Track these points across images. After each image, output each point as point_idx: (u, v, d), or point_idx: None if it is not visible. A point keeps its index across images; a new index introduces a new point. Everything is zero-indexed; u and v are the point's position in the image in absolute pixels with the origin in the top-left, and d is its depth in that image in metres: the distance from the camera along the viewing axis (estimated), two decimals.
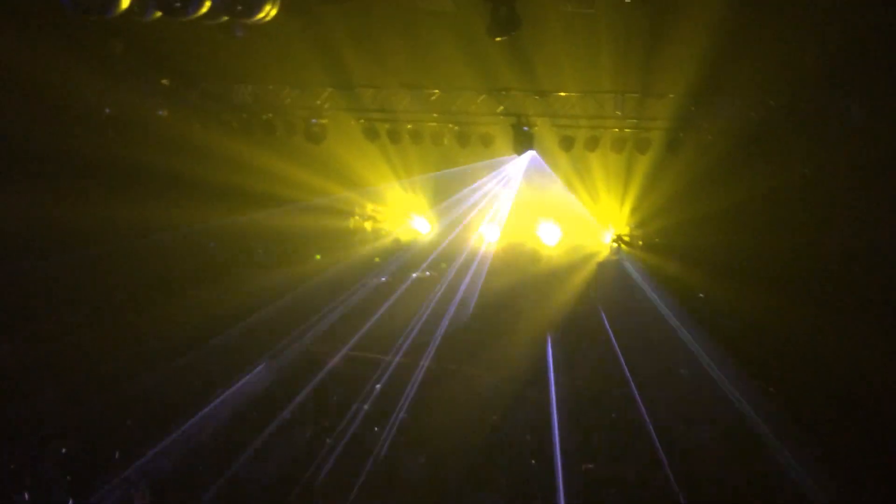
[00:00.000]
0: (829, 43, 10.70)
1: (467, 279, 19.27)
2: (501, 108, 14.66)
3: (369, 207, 20.65)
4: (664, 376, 15.09)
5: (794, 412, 13.43)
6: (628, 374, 15.13)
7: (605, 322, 17.03)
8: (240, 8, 8.18)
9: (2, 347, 14.54)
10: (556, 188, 18.30)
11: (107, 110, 15.08)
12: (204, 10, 8.06)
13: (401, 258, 20.05)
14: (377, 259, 20.01)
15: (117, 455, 12.17)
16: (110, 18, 8.13)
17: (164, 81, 15.37)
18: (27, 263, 14.62)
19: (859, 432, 12.50)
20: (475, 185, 19.12)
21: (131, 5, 8.05)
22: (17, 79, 11.95)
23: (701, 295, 17.02)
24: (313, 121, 15.59)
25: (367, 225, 20.87)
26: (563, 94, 14.17)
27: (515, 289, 18.50)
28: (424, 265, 19.97)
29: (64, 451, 12.12)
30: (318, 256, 19.43)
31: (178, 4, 7.93)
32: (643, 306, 17.17)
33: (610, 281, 18.01)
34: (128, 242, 15.94)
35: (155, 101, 15.54)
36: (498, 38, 10.10)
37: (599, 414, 14.23)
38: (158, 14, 8.31)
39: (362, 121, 15.68)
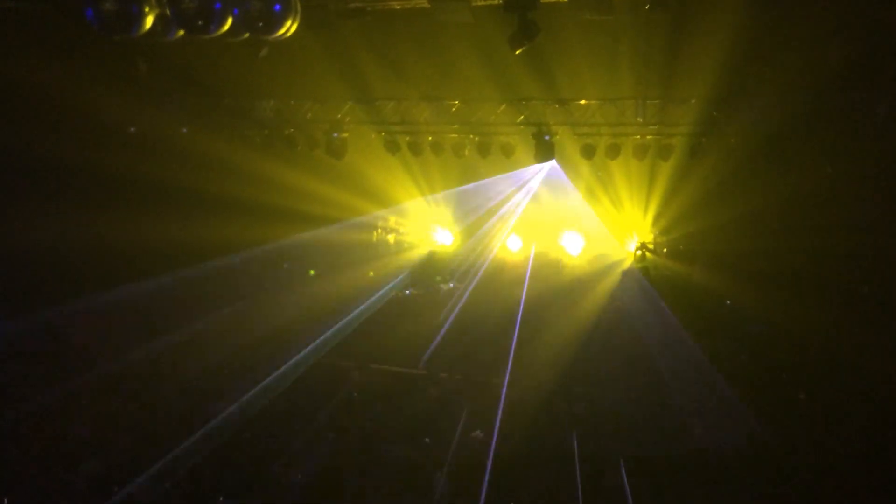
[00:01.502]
0: (852, 41, 10.57)
1: (491, 290, 19.25)
2: (522, 117, 14.66)
3: (392, 220, 20.76)
4: (690, 384, 14.92)
5: (825, 418, 13.24)
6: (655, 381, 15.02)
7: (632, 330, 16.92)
8: (261, 24, 8.26)
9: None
10: (578, 197, 18.29)
11: (132, 129, 15.30)
12: (225, 27, 8.17)
13: (425, 270, 20.11)
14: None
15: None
16: (135, 38, 8.28)
17: (188, 99, 15.58)
18: (59, 281, 14.79)
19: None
20: (497, 196, 19.16)
21: (155, 25, 8.19)
22: (45, 99, 12.17)
23: (728, 302, 16.84)
24: (335, 135, 15.68)
25: (391, 238, 20.98)
26: (583, 102, 14.15)
27: (540, 299, 18.43)
28: (445, 276, 20.04)
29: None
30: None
31: (200, 23, 8.04)
32: (668, 314, 17.05)
33: (635, 289, 17.88)
34: (153, 259, 16.08)
35: (178, 118, 15.76)
36: (518, 51, 10.07)
37: (625, 422, 14.10)
38: (181, 33, 8.44)
39: (383, 134, 15.76)
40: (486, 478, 11.99)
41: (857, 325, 13.74)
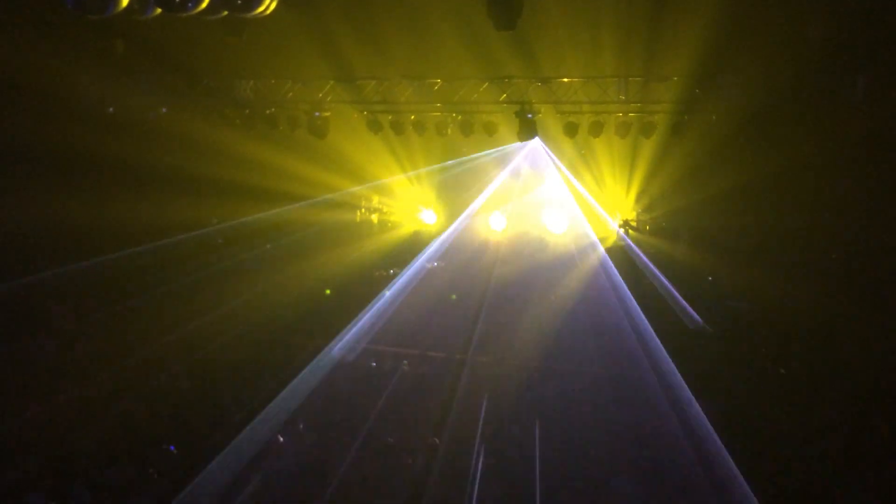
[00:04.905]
0: (834, 18, 10.59)
1: (475, 269, 19.27)
2: (504, 95, 14.60)
3: (375, 200, 20.69)
4: (674, 359, 15.03)
5: (804, 393, 13.43)
6: (640, 356, 15.11)
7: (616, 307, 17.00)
8: (239, 2, 8.14)
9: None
10: (561, 175, 18.30)
11: (110, 109, 15.09)
12: (203, 5, 8.02)
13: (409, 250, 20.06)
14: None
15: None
16: (111, 17, 8.12)
17: (166, 79, 15.38)
18: (31, 263, 14.61)
19: (871, 413, 12.48)
20: (481, 174, 19.13)
21: (131, 3, 8.02)
22: (20, 79, 11.96)
23: (710, 278, 16.98)
24: (316, 114, 15.55)
25: (374, 217, 20.92)
26: (566, 80, 14.09)
27: (523, 277, 18.47)
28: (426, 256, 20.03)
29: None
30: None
31: (177, 0, 7.90)
32: (651, 291, 17.15)
33: (618, 266, 17.95)
34: (132, 241, 15.94)
35: (157, 98, 15.57)
36: (512, 29, 9.99)
37: (614, 398, 14.18)
38: (158, 11, 8.29)
39: (365, 113, 15.64)
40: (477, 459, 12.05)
41: (837, 300, 13.91)
